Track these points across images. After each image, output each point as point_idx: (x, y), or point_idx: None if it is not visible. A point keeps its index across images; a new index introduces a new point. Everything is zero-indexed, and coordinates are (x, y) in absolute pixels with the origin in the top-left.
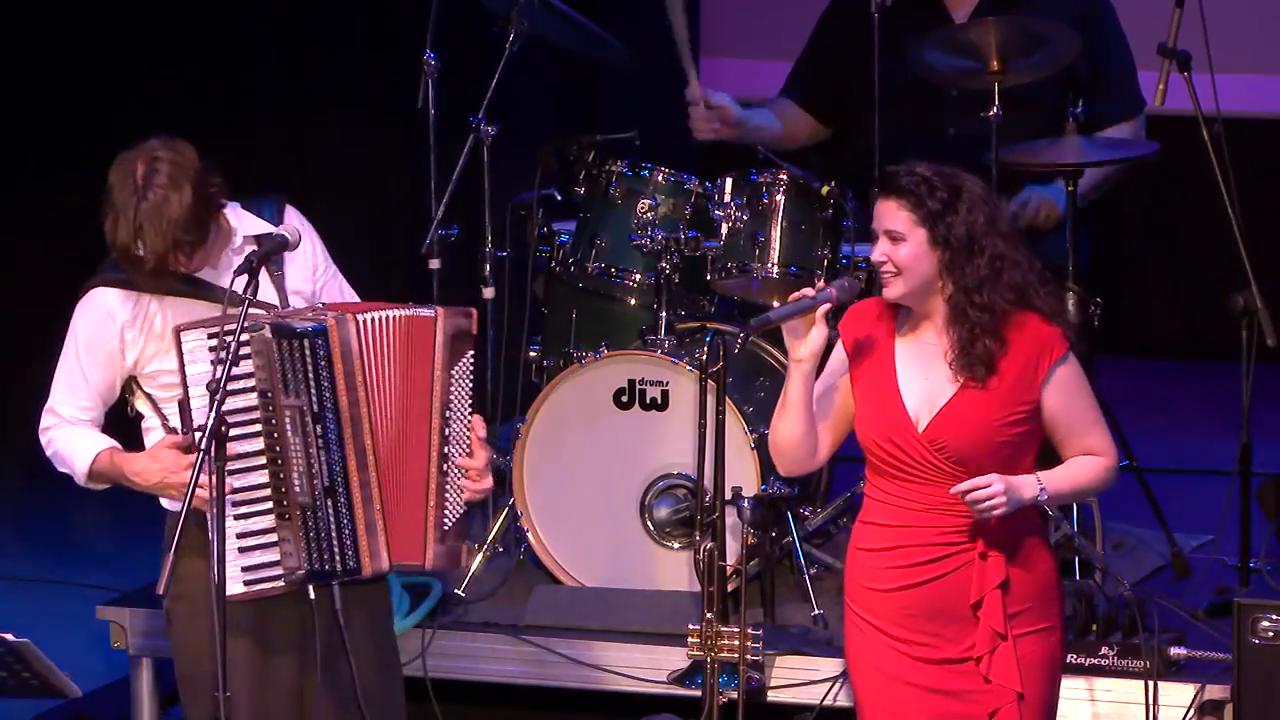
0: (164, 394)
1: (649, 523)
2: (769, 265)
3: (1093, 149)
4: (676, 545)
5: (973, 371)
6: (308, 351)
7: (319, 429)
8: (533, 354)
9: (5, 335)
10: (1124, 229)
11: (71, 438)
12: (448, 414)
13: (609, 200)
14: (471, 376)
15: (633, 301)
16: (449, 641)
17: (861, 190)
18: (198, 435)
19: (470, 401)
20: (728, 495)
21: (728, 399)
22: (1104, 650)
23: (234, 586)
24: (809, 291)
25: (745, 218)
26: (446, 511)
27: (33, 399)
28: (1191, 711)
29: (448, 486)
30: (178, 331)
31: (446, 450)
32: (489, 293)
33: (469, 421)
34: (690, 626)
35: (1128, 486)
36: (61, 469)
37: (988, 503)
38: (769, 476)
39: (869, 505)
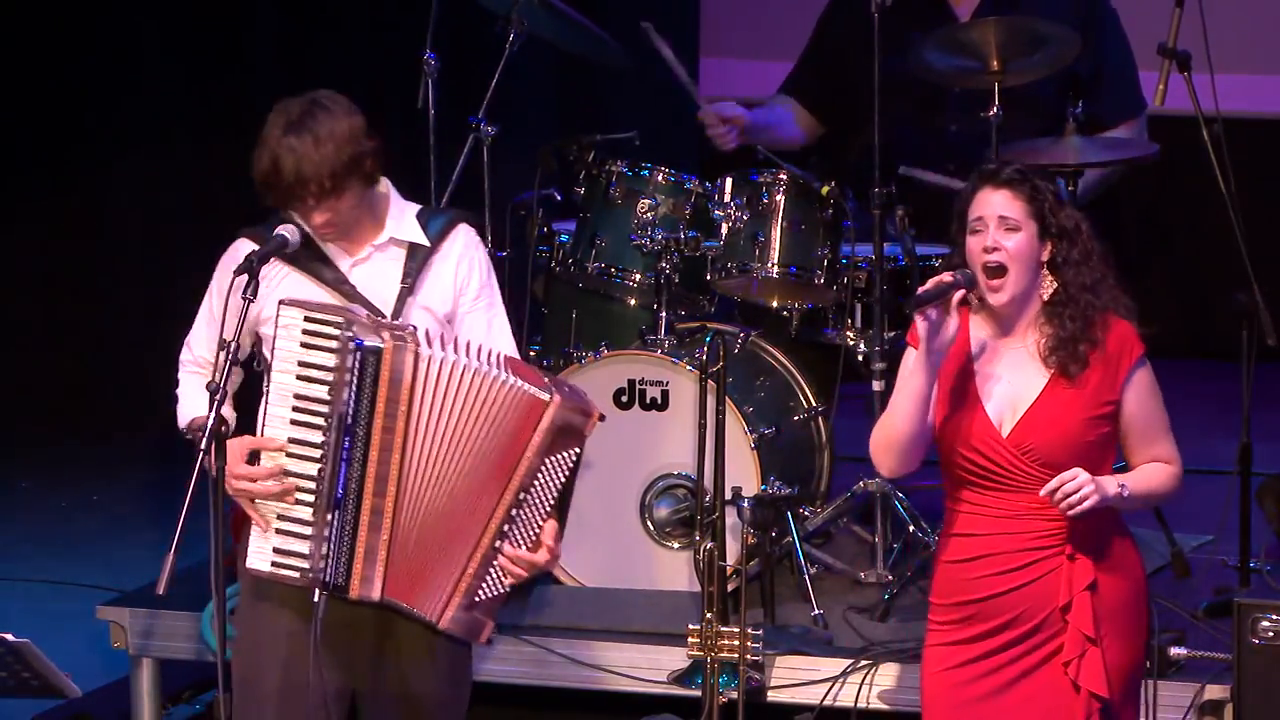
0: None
1: (649, 523)
2: (769, 265)
3: (1093, 149)
4: (676, 545)
5: (1071, 367)
6: (357, 364)
7: (346, 441)
8: (533, 354)
9: (5, 333)
10: (1124, 229)
11: (190, 386)
12: (524, 496)
13: (609, 200)
14: (566, 473)
15: (633, 301)
16: None
17: (861, 190)
18: (197, 435)
19: (555, 500)
20: (728, 495)
21: (728, 399)
22: None
23: (262, 564)
24: (947, 277)
25: (745, 218)
26: (484, 584)
27: (33, 399)
28: (1191, 711)
29: (493, 563)
30: (280, 303)
31: (507, 529)
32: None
33: (545, 515)
34: (690, 626)
35: None
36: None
37: (1077, 495)
38: (769, 476)
39: (953, 517)
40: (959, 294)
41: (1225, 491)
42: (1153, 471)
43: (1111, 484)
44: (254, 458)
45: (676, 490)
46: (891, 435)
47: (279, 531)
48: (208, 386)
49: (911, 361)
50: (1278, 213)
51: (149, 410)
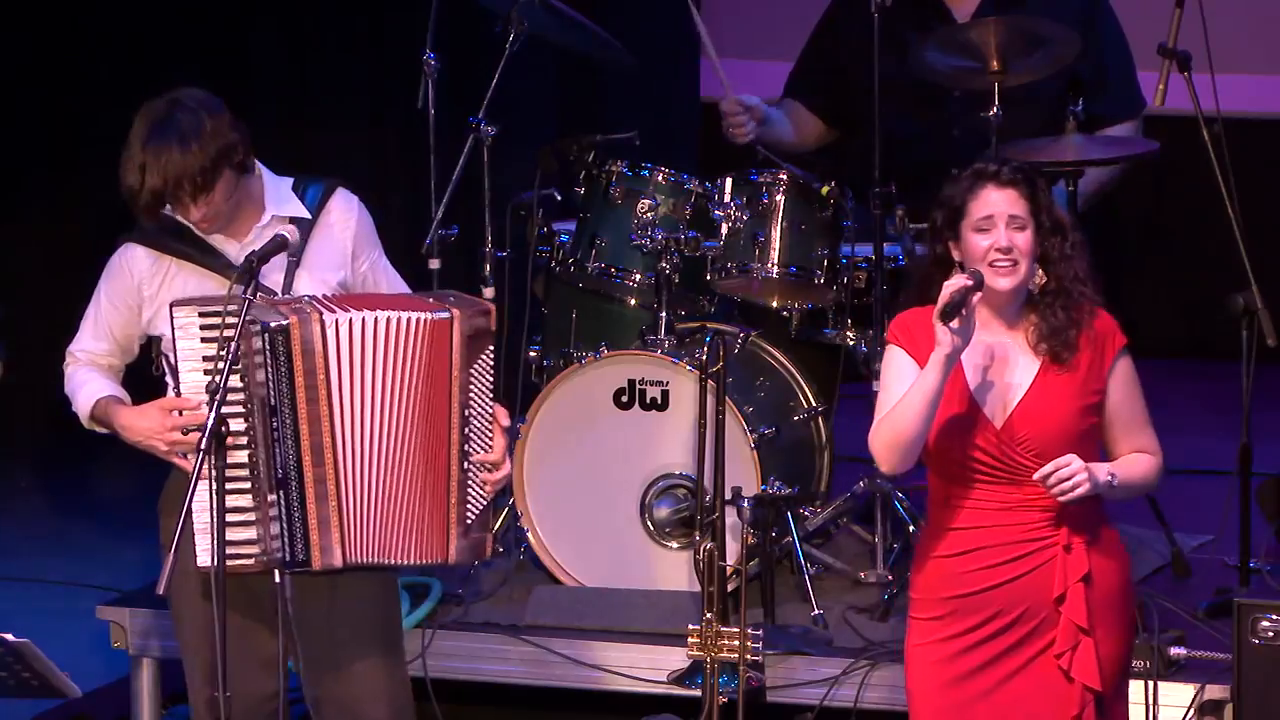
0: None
1: (649, 523)
2: (769, 265)
3: (1093, 147)
4: (676, 545)
5: (1063, 354)
6: (266, 345)
7: (274, 422)
8: (533, 354)
9: (5, 333)
10: (1124, 229)
11: (81, 378)
12: (468, 413)
13: (609, 200)
14: (491, 371)
15: (633, 301)
16: (449, 641)
17: (862, 190)
18: (197, 435)
19: (490, 396)
20: (728, 495)
21: (728, 399)
22: None
23: (210, 558)
24: (965, 280)
25: (745, 218)
26: (469, 506)
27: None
28: (1191, 711)
29: (469, 483)
30: (171, 306)
31: (467, 448)
32: (489, 293)
33: (491, 415)
34: (690, 626)
35: None
36: (73, 408)
37: (1070, 481)
38: (769, 476)
39: (940, 511)
40: (977, 295)
41: (1225, 491)
42: (1137, 461)
43: (1102, 471)
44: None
45: (676, 490)
46: (900, 434)
47: (226, 524)
48: (208, 388)
49: (899, 361)
50: (1278, 213)
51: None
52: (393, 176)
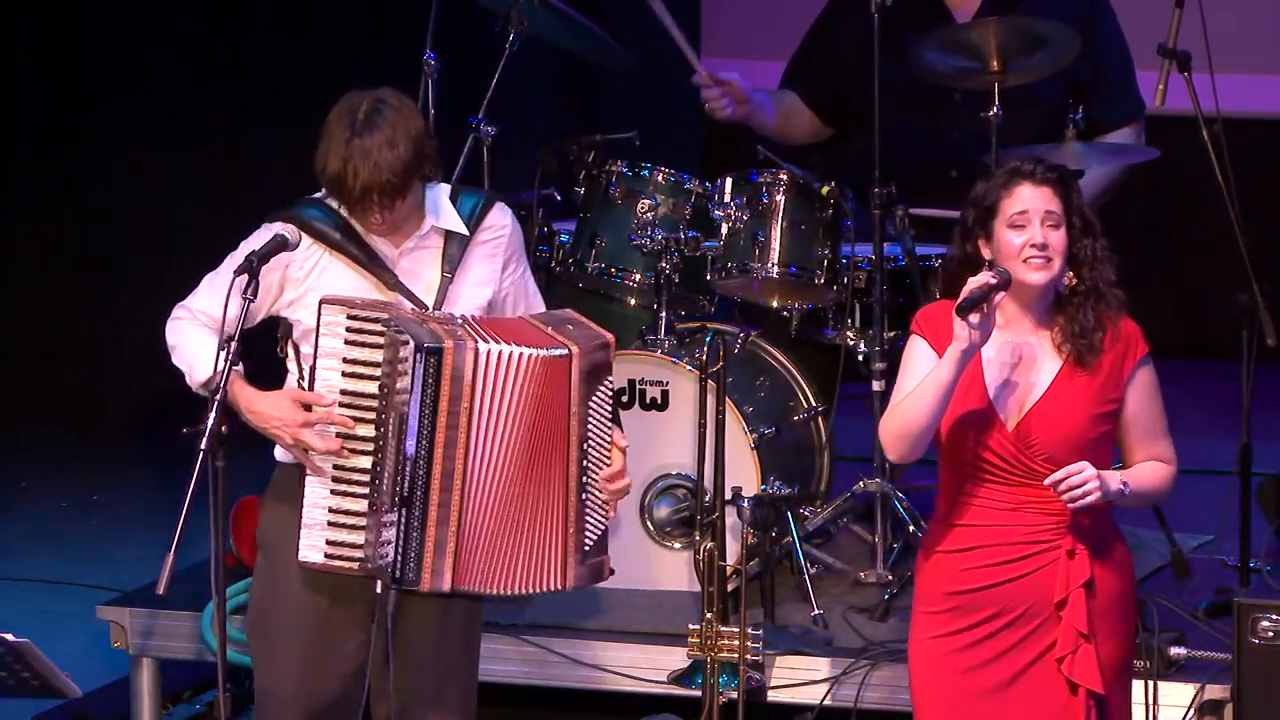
0: (308, 348)
1: (649, 523)
2: (769, 265)
3: (1093, 155)
4: (676, 545)
5: (1087, 356)
6: (418, 365)
7: (410, 440)
8: None
9: (6, 333)
10: (1124, 229)
11: (201, 340)
12: (586, 446)
13: (609, 200)
14: (610, 401)
15: (633, 301)
16: None
17: (861, 190)
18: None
19: (609, 425)
20: (728, 495)
21: (728, 399)
22: None
23: (315, 556)
24: (990, 278)
25: (745, 218)
26: (587, 534)
27: (34, 400)
28: (1191, 711)
29: (588, 510)
30: (321, 302)
31: (585, 480)
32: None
33: (609, 441)
34: (690, 626)
35: None
36: (176, 362)
37: (1082, 488)
38: (769, 476)
39: (949, 506)
40: (1000, 294)
41: (1225, 491)
42: (1151, 470)
43: (1114, 480)
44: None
45: (676, 490)
46: (910, 424)
47: (330, 524)
48: (207, 386)
49: (919, 351)
50: (1278, 213)
51: (150, 410)
52: None
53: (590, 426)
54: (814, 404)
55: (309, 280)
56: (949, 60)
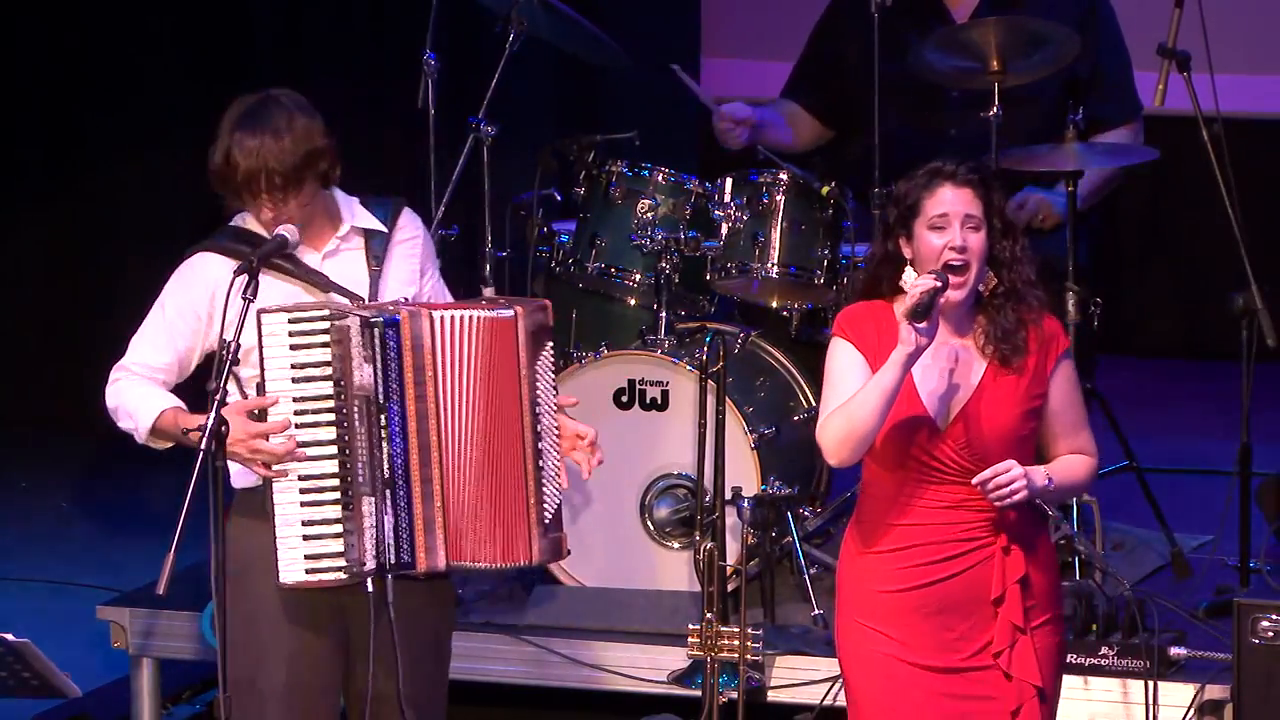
0: (249, 372)
1: (649, 523)
2: (769, 265)
3: (1092, 155)
4: (676, 545)
5: (1012, 358)
6: (377, 341)
7: (382, 419)
8: None
9: (6, 330)
10: (1124, 229)
11: (139, 391)
12: (537, 410)
13: (609, 200)
14: (553, 368)
15: (633, 301)
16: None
17: (861, 190)
18: (197, 435)
19: (555, 391)
20: (728, 495)
21: (728, 399)
22: (1104, 650)
23: (296, 574)
24: (933, 281)
25: (745, 218)
26: (545, 505)
27: (34, 400)
28: (1191, 711)
29: (544, 478)
30: (259, 313)
31: (540, 446)
32: (489, 293)
33: (555, 405)
34: (690, 626)
35: (1128, 486)
36: (122, 423)
37: (1009, 487)
38: (769, 476)
39: (875, 506)
40: (943, 295)
41: (1225, 491)
42: (1074, 463)
43: (1040, 475)
44: (258, 419)
45: (676, 490)
46: (855, 429)
47: (307, 538)
48: (206, 386)
49: (845, 354)
50: (1278, 213)
51: None
52: (392, 176)
53: (539, 390)
54: (814, 404)
55: (236, 301)
56: (948, 60)
